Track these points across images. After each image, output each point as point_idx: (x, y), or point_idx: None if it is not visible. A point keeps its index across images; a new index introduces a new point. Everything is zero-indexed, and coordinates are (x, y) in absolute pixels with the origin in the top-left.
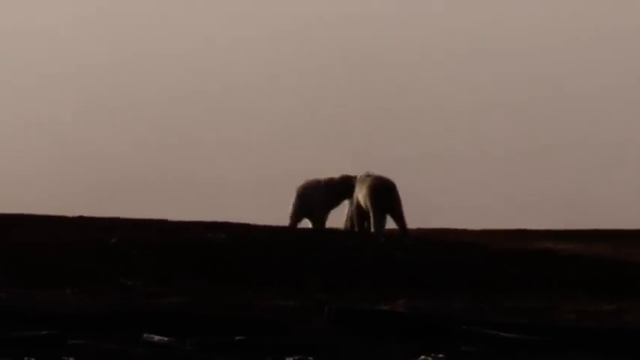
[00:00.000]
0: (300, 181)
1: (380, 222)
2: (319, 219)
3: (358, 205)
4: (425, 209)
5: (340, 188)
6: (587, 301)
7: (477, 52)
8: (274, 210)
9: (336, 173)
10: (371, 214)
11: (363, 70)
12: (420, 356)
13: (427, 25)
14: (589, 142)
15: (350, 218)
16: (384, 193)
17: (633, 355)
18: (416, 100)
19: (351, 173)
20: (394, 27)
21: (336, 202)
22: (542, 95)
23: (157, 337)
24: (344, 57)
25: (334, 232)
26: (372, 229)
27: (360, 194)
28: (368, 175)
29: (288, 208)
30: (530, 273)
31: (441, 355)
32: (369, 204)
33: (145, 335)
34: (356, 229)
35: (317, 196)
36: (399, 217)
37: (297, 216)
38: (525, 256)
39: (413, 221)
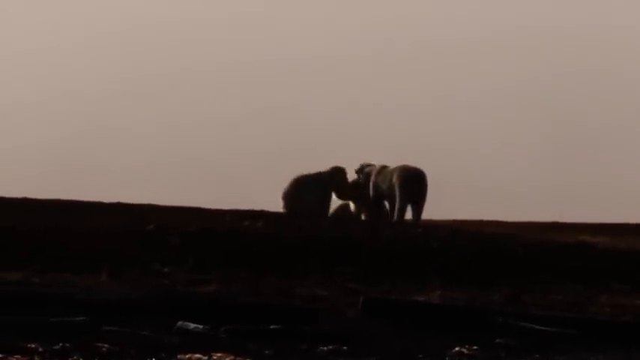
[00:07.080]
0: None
1: (404, 212)
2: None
3: (376, 195)
4: (459, 200)
5: (329, 180)
6: (624, 295)
7: None
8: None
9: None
10: (397, 203)
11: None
12: (454, 348)
13: None
14: (628, 134)
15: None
16: (418, 183)
17: None
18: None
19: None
20: None
21: (328, 195)
22: (585, 87)
23: (191, 325)
24: None
25: (371, 222)
26: (395, 218)
27: (385, 183)
28: (384, 167)
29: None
30: (566, 266)
31: (475, 347)
32: (398, 193)
33: (179, 323)
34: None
35: (309, 192)
36: (420, 208)
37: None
38: (561, 249)
39: (447, 212)
